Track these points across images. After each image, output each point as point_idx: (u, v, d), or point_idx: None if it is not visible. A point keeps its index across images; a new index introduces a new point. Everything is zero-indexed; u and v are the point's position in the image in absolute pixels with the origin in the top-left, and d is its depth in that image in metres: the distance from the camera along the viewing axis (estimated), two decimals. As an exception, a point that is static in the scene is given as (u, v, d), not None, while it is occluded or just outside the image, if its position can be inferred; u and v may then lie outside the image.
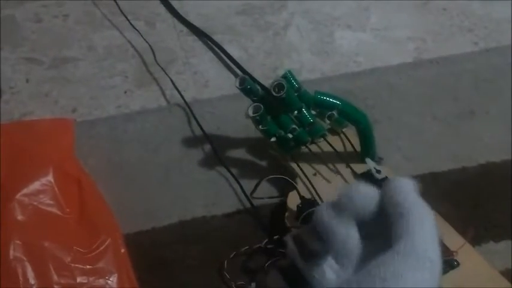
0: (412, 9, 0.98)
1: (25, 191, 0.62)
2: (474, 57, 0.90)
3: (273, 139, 0.70)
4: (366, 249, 0.43)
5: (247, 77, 0.67)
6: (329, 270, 0.43)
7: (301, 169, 0.70)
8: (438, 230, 0.42)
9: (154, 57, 0.87)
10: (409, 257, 0.40)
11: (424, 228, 0.41)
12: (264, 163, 0.75)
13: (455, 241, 0.61)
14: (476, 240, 0.66)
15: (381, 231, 0.43)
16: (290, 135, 0.69)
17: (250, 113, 0.68)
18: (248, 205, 0.70)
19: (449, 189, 0.73)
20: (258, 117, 0.68)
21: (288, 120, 0.69)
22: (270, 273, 0.49)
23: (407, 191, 0.43)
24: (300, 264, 0.45)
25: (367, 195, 0.44)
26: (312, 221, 0.45)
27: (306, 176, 0.69)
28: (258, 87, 0.69)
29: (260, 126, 0.69)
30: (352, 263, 0.42)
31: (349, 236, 0.43)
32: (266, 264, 0.65)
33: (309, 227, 0.46)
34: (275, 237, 0.66)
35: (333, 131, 0.74)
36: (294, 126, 0.69)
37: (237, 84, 0.67)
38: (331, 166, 0.71)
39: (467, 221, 0.63)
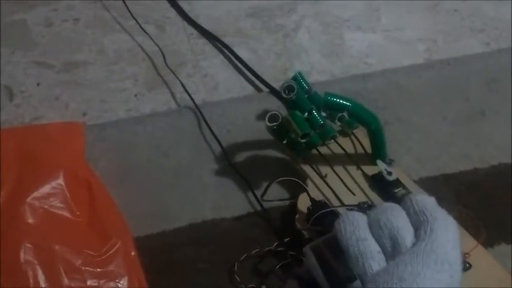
0: (422, 10, 0.98)
1: (36, 194, 0.63)
2: (485, 58, 0.89)
3: (283, 142, 0.70)
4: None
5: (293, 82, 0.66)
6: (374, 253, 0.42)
7: (311, 171, 0.70)
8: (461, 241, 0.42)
9: (165, 60, 0.87)
10: (428, 257, 0.39)
11: (448, 234, 0.41)
12: (274, 165, 0.75)
13: (467, 243, 0.60)
14: (488, 242, 0.65)
15: None
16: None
17: (268, 123, 0.68)
18: (258, 208, 0.70)
19: (460, 191, 0.72)
20: (275, 127, 0.68)
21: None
22: (288, 282, 0.49)
23: (433, 203, 0.43)
24: (321, 282, 0.44)
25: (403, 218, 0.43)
26: (334, 233, 0.44)
27: (316, 178, 0.69)
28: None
29: (274, 130, 0.69)
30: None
31: (374, 256, 0.42)
32: (276, 267, 0.64)
33: (329, 238, 0.45)
34: (285, 239, 0.65)
35: (344, 133, 0.74)
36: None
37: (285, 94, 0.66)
38: (341, 168, 0.70)
39: (479, 222, 0.63)
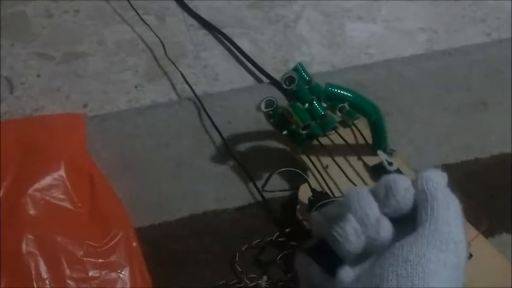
0: (423, 0, 0.98)
1: (37, 185, 0.63)
2: (487, 48, 0.89)
3: (284, 132, 0.70)
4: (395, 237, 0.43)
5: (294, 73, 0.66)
6: (351, 231, 0.43)
7: (312, 162, 0.70)
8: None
9: (165, 51, 0.87)
10: (432, 238, 0.40)
11: (449, 212, 0.42)
12: (275, 156, 0.75)
13: (468, 233, 0.60)
14: (489, 232, 0.65)
15: (410, 220, 0.43)
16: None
17: (263, 107, 0.68)
18: (259, 198, 0.70)
19: (462, 181, 0.72)
20: (270, 112, 0.68)
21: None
22: (297, 256, 0.49)
23: (436, 181, 0.44)
24: (326, 234, 0.45)
25: (408, 190, 0.44)
26: (342, 200, 0.45)
27: (317, 168, 0.69)
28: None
29: (272, 120, 0.69)
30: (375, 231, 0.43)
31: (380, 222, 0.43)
32: (277, 258, 0.65)
33: (336, 204, 0.46)
34: (286, 230, 0.66)
35: (344, 124, 0.74)
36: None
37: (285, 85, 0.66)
38: (342, 159, 0.70)
39: (481, 212, 0.63)
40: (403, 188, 0.43)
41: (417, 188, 0.44)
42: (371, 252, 0.44)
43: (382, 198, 0.44)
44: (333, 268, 0.44)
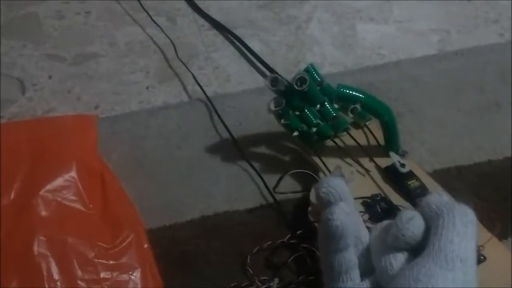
0: (435, 1, 0.97)
1: (49, 187, 0.63)
2: (499, 49, 0.89)
3: (295, 133, 0.70)
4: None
5: (277, 76, 0.66)
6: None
7: (324, 163, 0.69)
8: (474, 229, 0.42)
9: (176, 52, 0.87)
10: (437, 257, 0.40)
11: (454, 229, 0.41)
12: (286, 157, 0.74)
13: (482, 235, 0.60)
14: (502, 234, 0.65)
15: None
16: (314, 129, 0.69)
17: (272, 107, 0.68)
18: (271, 200, 0.70)
19: (474, 183, 0.72)
20: (280, 111, 0.68)
21: (313, 114, 0.69)
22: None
23: (439, 200, 0.43)
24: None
25: (419, 227, 0.43)
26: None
27: (328, 170, 0.69)
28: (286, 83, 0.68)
29: (282, 121, 0.69)
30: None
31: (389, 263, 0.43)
32: (289, 260, 0.64)
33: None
34: (298, 232, 0.65)
35: (356, 125, 0.73)
36: (317, 121, 0.68)
37: (269, 85, 0.66)
38: (354, 160, 0.70)
39: (494, 214, 0.62)
40: (405, 218, 0.43)
41: (424, 211, 0.44)
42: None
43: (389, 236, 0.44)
44: None
